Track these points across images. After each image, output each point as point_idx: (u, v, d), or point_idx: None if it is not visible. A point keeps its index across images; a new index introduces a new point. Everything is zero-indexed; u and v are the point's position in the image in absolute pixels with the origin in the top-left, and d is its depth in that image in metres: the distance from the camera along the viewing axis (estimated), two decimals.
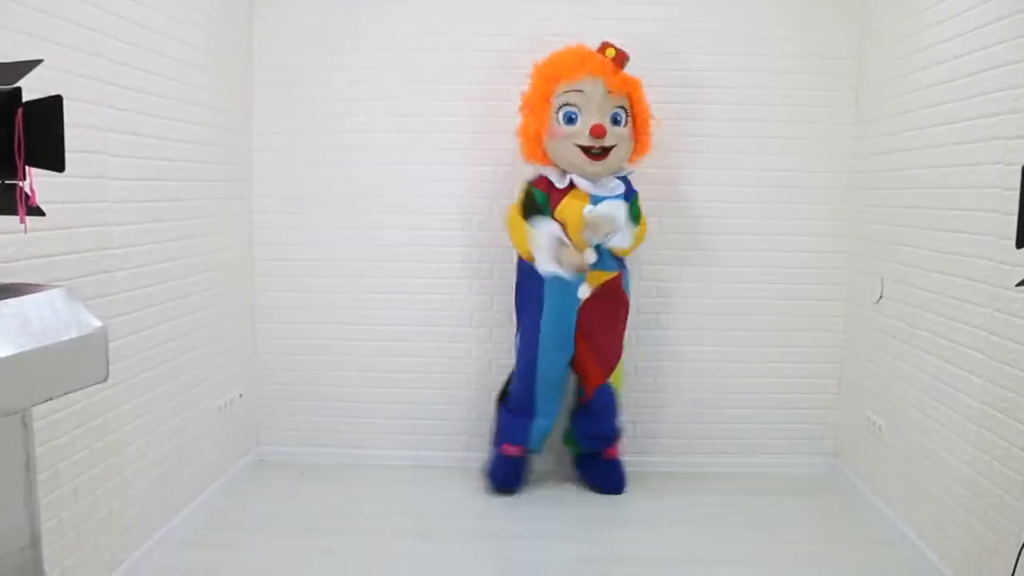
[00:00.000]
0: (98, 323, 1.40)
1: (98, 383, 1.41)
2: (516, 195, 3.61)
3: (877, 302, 3.56)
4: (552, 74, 3.45)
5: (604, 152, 3.42)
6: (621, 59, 3.43)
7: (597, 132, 3.34)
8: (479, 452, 4.03)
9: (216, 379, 3.60)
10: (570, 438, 3.84)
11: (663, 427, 4.05)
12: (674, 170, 3.88)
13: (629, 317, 3.71)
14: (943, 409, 2.98)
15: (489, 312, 3.99)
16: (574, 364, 3.66)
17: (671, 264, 3.94)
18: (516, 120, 3.58)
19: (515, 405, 3.69)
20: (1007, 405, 2.58)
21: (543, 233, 3.40)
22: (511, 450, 3.70)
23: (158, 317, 3.07)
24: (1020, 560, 2.32)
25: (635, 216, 3.55)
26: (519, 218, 3.51)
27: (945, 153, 3.01)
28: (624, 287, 3.65)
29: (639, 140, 3.55)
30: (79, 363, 1.38)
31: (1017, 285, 2.00)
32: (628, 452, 3.98)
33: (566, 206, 3.46)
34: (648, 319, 3.97)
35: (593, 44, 3.49)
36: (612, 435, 3.75)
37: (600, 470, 3.80)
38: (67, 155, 2.39)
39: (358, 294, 4.00)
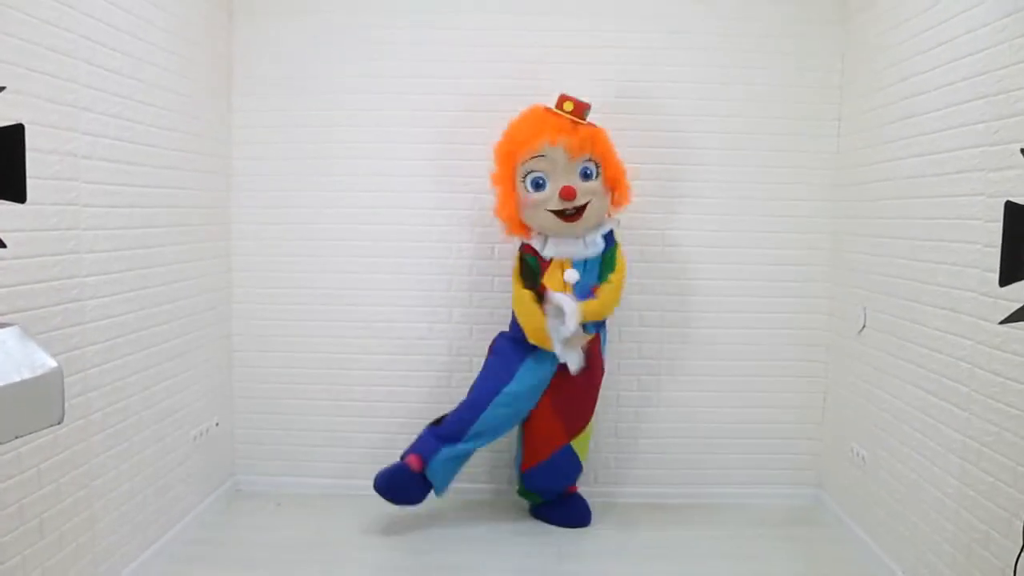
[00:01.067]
0: (53, 363, 1.35)
1: (52, 425, 1.35)
2: (512, 263, 3.60)
3: (860, 332, 3.54)
4: (511, 149, 3.39)
5: (578, 212, 3.36)
6: (580, 110, 3.36)
7: (567, 194, 3.30)
8: (459, 482, 3.96)
9: (191, 408, 3.53)
10: (525, 492, 3.73)
11: (645, 458, 4.00)
12: (657, 199, 3.86)
13: (603, 380, 3.68)
14: (927, 442, 2.95)
15: (469, 341, 3.95)
16: (528, 424, 3.58)
17: (652, 294, 3.91)
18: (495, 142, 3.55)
19: (444, 432, 3.50)
20: (991, 439, 2.55)
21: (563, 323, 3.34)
22: (412, 460, 3.47)
23: (131, 346, 3.01)
24: None
25: (611, 265, 3.49)
26: (524, 296, 3.42)
27: (927, 184, 3.00)
28: (601, 348, 3.61)
29: (615, 189, 3.48)
30: (32, 405, 1.32)
31: (1001, 323, 1.98)
32: (609, 482, 3.96)
33: (550, 276, 3.44)
34: (630, 349, 3.93)
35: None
36: (570, 485, 3.70)
37: (564, 508, 3.70)
38: (38, 182, 2.38)
39: (336, 321, 3.95)
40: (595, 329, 3.51)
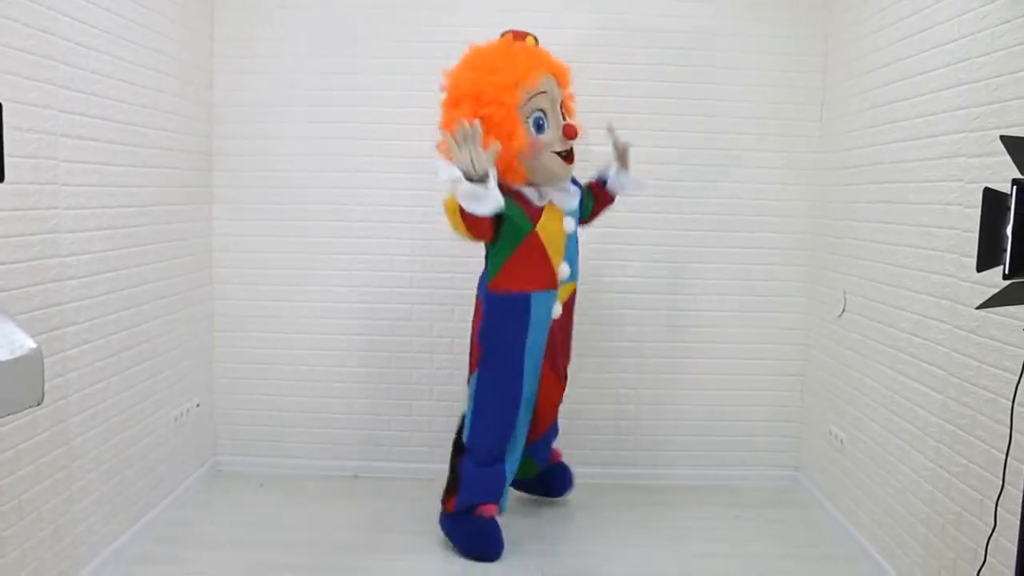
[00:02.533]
0: (32, 344, 1.34)
1: (32, 407, 1.34)
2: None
3: (839, 316, 3.57)
4: (513, 81, 2.89)
5: (572, 152, 3.07)
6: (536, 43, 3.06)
7: (571, 133, 2.96)
8: (441, 463, 3.97)
9: (172, 389, 3.52)
10: (526, 464, 3.48)
11: (624, 439, 4.02)
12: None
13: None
14: (903, 424, 2.99)
15: (450, 322, 3.95)
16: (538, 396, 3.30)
17: (630, 277, 3.92)
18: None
19: (483, 455, 3.16)
20: (966, 422, 2.59)
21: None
22: (490, 510, 3.18)
23: (112, 327, 2.99)
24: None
25: (586, 209, 3.37)
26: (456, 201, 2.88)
27: (907, 169, 3.02)
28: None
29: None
30: (11, 387, 1.31)
31: (978, 308, 2.00)
32: (591, 464, 3.98)
33: (547, 224, 3.07)
34: (608, 331, 3.95)
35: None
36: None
37: (555, 477, 3.68)
38: (16, 160, 2.35)
39: (318, 303, 3.95)
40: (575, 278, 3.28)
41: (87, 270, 2.81)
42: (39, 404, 1.38)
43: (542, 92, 2.96)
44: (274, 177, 3.88)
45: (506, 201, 2.89)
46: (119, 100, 2.97)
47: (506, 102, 2.90)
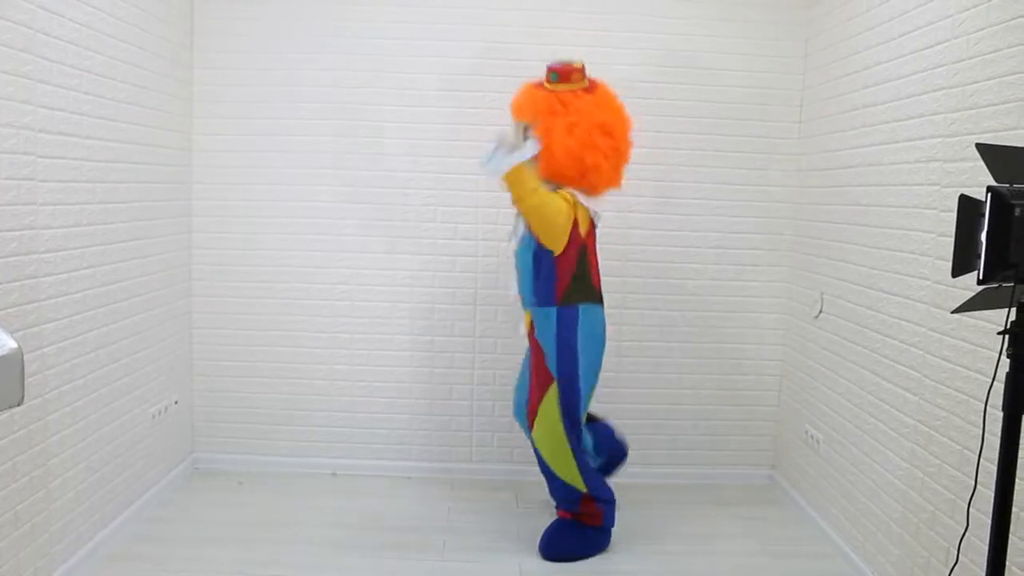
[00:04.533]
0: (13, 344, 1.33)
1: (11, 407, 1.34)
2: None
3: (816, 317, 3.60)
4: None
5: None
6: (545, 77, 3.13)
7: None
8: (419, 461, 4.00)
9: (150, 386, 3.50)
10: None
11: None
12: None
13: (553, 374, 3.14)
14: (879, 425, 3.03)
15: (430, 321, 3.95)
16: None
17: (610, 276, 3.92)
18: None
19: None
20: (940, 423, 2.63)
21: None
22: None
23: (89, 323, 2.97)
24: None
25: None
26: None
27: (884, 172, 3.05)
28: (538, 335, 3.17)
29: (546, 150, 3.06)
30: None
31: (953, 312, 2.03)
32: None
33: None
34: None
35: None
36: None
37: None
38: None
39: (297, 300, 3.93)
40: (532, 302, 3.17)
41: (65, 266, 2.79)
42: (19, 405, 1.37)
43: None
44: (254, 174, 3.86)
45: None
46: (98, 96, 2.95)
47: None
